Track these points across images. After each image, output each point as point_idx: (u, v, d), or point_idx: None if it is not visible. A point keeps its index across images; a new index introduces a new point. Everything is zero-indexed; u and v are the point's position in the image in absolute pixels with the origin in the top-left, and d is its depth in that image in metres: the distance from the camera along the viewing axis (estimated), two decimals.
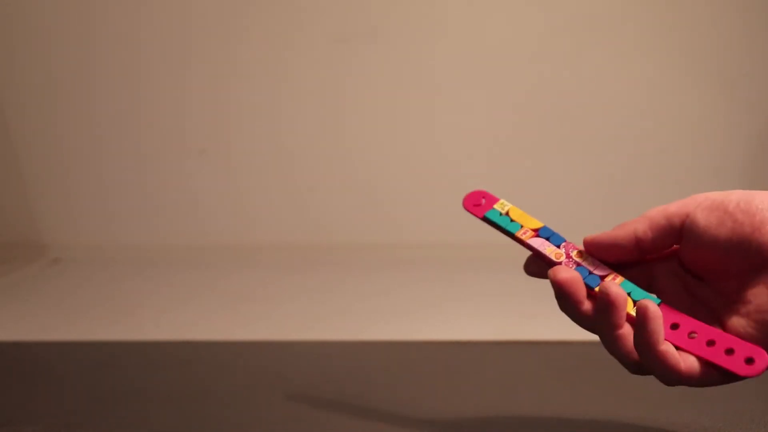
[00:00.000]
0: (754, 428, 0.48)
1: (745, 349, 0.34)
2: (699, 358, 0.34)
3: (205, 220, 1.17)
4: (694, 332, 0.35)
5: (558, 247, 0.40)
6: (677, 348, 0.35)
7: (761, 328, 0.34)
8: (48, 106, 1.16)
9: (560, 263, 0.39)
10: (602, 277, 0.38)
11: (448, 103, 1.12)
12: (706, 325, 0.36)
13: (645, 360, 0.35)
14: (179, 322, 0.83)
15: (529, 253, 0.40)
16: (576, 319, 0.37)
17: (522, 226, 0.41)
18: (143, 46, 1.13)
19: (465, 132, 1.13)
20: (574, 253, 0.39)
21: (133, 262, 1.09)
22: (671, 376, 0.34)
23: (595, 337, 0.37)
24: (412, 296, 0.90)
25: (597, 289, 0.36)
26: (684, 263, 0.38)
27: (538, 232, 0.40)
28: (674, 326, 0.36)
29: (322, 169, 1.15)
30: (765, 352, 0.34)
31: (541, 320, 0.75)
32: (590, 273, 0.38)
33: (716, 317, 0.36)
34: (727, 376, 0.34)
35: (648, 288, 0.39)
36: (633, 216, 0.38)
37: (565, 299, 0.37)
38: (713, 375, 0.34)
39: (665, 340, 0.34)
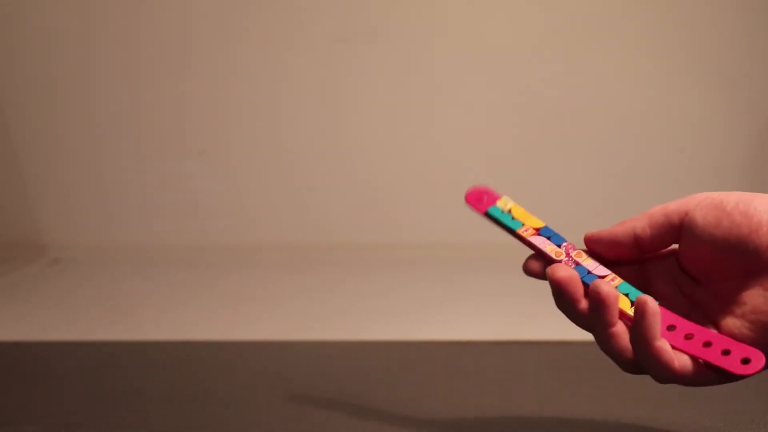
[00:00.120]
0: (754, 428, 0.48)
1: (741, 350, 0.34)
2: (695, 358, 0.35)
3: (205, 220, 1.17)
4: (691, 334, 0.35)
5: (558, 246, 0.40)
6: (673, 347, 0.35)
7: (756, 329, 0.34)
8: (48, 106, 1.16)
9: (560, 261, 0.39)
10: (601, 278, 0.38)
11: (448, 103, 1.12)
12: (703, 328, 0.36)
13: (640, 356, 0.35)
14: (179, 322, 0.83)
15: (528, 253, 0.41)
16: (573, 317, 0.37)
17: (523, 224, 0.41)
18: (143, 46, 1.13)
19: (465, 132, 1.13)
20: (574, 254, 0.39)
21: (133, 262, 1.09)
22: (665, 373, 0.34)
23: None
24: (412, 296, 0.90)
25: (589, 287, 0.37)
26: (681, 263, 0.38)
27: (539, 231, 0.41)
28: (671, 328, 0.36)
29: (322, 169, 1.15)
30: (761, 353, 0.34)
31: (541, 320, 0.75)
32: (589, 273, 0.38)
33: (711, 319, 0.37)
34: (722, 376, 0.34)
35: (645, 290, 0.39)
36: (633, 215, 0.39)
37: (562, 297, 0.37)
38: (707, 374, 0.35)
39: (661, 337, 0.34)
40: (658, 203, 0.38)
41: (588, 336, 0.38)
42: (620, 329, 0.36)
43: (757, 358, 0.34)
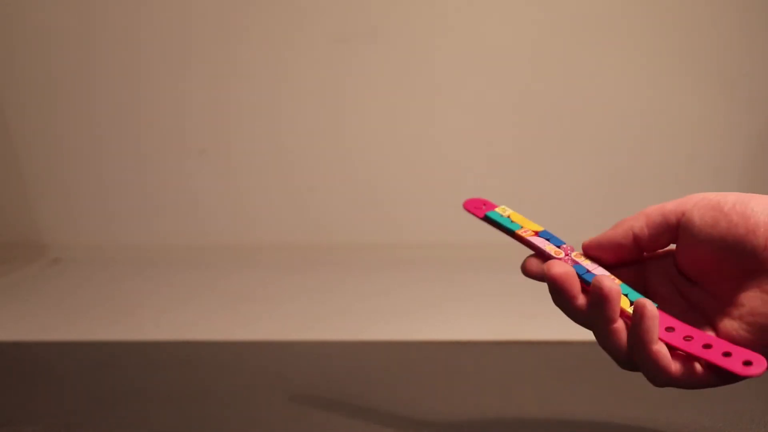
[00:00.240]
0: (754, 428, 0.48)
1: (742, 353, 0.34)
2: (692, 362, 0.34)
3: (205, 220, 1.17)
4: (690, 336, 0.35)
5: (558, 247, 0.40)
6: (673, 348, 0.35)
7: (754, 330, 0.34)
8: (48, 106, 1.16)
9: (559, 259, 0.39)
10: None
11: (448, 103, 1.12)
12: (701, 331, 0.36)
13: (637, 358, 0.35)
14: (179, 322, 0.83)
15: (527, 254, 0.41)
16: (570, 313, 0.37)
17: (522, 227, 0.41)
18: (143, 46, 1.13)
19: (465, 132, 1.13)
20: (573, 254, 0.40)
21: (133, 262, 1.09)
22: (662, 376, 0.34)
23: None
24: (412, 296, 0.90)
25: (591, 282, 0.37)
26: (679, 264, 0.38)
27: (537, 234, 0.41)
28: (669, 329, 0.36)
29: (322, 169, 1.15)
30: (762, 357, 0.34)
31: (541, 320, 0.75)
32: (588, 272, 0.38)
33: (709, 321, 0.37)
34: (721, 378, 0.34)
35: (643, 291, 0.39)
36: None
37: (559, 294, 0.37)
38: (705, 378, 0.34)
39: (659, 340, 0.34)
40: (658, 203, 0.38)
41: (588, 336, 0.38)
42: (620, 326, 0.36)
43: (759, 361, 0.33)
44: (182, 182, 1.17)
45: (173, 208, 1.17)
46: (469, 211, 0.43)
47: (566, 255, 0.39)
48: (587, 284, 0.37)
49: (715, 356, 0.34)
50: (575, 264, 0.39)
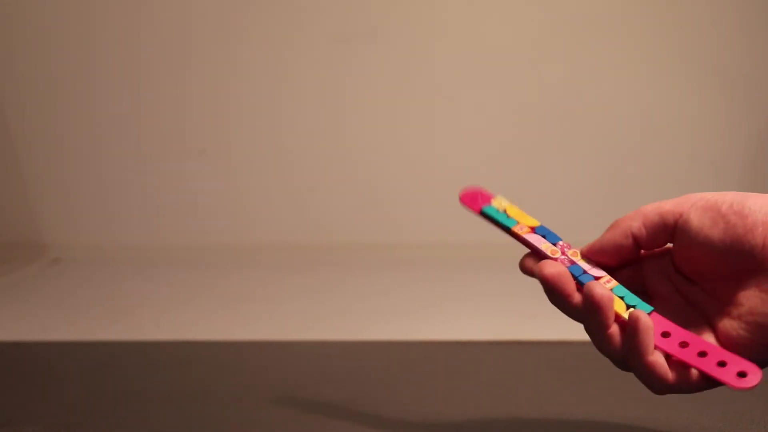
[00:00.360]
0: (754, 428, 0.48)
1: (737, 363, 0.34)
2: (689, 367, 0.35)
3: (205, 220, 1.17)
4: (686, 342, 0.35)
5: (554, 245, 0.40)
6: (668, 355, 0.35)
7: (753, 330, 0.34)
8: (48, 106, 1.16)
9: (555, 259, 0.39)
10: (596, 279, 0.38)
11: (447, 103, 1.12)
12: (698, 337, 0.36)
13: (633, 368, 0.35)
14: (179, 322, 0.83)
15: (525, 251, 0.41)
16: (566, 312, 0.37)
17: (518, 223, 0.41)
18: (143, 46, 1.13)
19: (465, 132, 1.13)
20: (569, 252, 0.39)
21: (133, 262, 1.09)
22: (658, 385, 0.35)
23: None
24: (412, 296, 0.90)
25: (583, 289, 0.37)
26: (676, 264, 0.38)
27: (534, 230, 0.41)
28: (665, 334, 0.36)
29: (322, 169, 1.15)
30: (757, 367, 0.34)
31: (541, 320, 0.75)
32: (584, 272, 0.38)
33: (708, 320, 0.36)
34: (715, 384, 0.34)
35: (641, 290, 0.39)
36: None
37: (553, 294, 0.37)
38: (700, 384, 0.35)
39: (655, 348, 0.35)
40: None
41: (588, 336, 0.38)
42: (615, 331, 0.36)
43: (753, 372, 0.33)
44: (182, 182, 1.17)
45: (173, 208, 1.17)
46: (465, 205, 0.42)
47: (563, 254, 0.39)
48: (581, 285, 0.37)
49: (710, 366, 0.34)
50: (572, 264, 0.39)
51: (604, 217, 0.43)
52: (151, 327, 0.81)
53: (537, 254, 0.40)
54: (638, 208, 0.38)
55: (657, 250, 0.39)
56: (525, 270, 0.40)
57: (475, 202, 0.42)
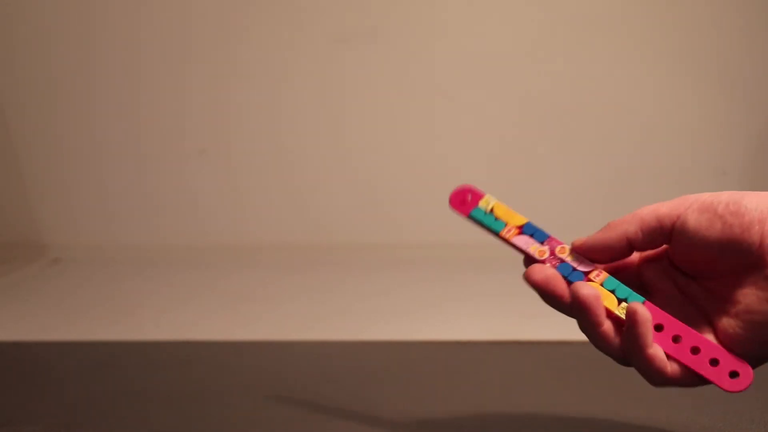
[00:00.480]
0: (754, 428, 0.48)
1: (730, 361, 0.34)
2: (683, 365, 0.35)
3: (205, 220, 1.17)
4: (679, 336, 0.35)
5: (542, 243, 0.40)
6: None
7: (750, 328, 0.34)
8: (48, 106, 1.16)
9: (543, 261, 0.39)
10: (586, 273, 0.38)
11: (447, 103, 1.12)
12: (691, 330, 0.36)
13: (632, 361, 0.35)
14: (179, 322, 0.83)
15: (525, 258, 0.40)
16: (563, 312, 0.38)
17: (506, 224, 0.41)
18: (143, 46, 1.13)
19: (465, 132, 1.13)
20: (557, 249, 0.39)
21: (133, 262, 1.09)
22: (657, 378, 0.35)
23: None
24: (412, 296, 0.90)
25: (570, 290, 0.37)
26: (674, 262, 0.38)
27: (522, 229, 0.40)
28: (658, 327, 0.36)
29: (322, 169, 1.15)
30: (749, 367, 0.34)
31: (541, 320, 0.75)
32: (574, 270, 0.38)
33: (706, 316, 0.37)
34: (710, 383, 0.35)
35: (638, 284, 0.39)
36: None
37: (545, 297, 0.38)
38: (698, 379, 0.35)
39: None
40: (655, 203, 0.38)
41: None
42: (608, 327, 0.36)
43: (746, 373, 0.34)
44: (182, 182, 1.17)
45: (173, 208, 1.17)
46: (454, 208, 0.42)
47: (551, 254, 0.39)
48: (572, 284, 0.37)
49: (702, 365, 0.34)
50: (561, 263, 0.39)
51: (604, 218, 0.43)
52: (151, 327, 0.81)
53: (525, 257, 0.40)
54: (634, 212, 0.37)
55: (652, 252, 0.39)
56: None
57: (465, 204, 0.42)
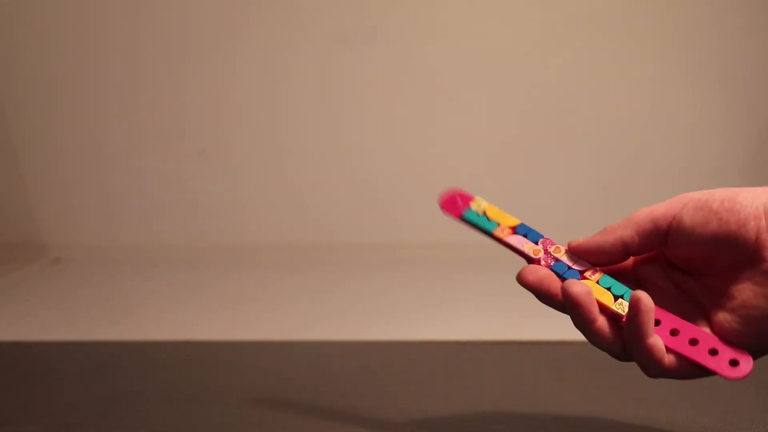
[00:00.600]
0: (754, 428, 0.48)
1: (729, 351, 0.34)
2: (682, 356, 0.35)
3: (205, 220, 1.17)
4: (676, 329, 0.35)
5: (536, 243, 0.40)
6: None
7: (746, 323, 0.34)
8: (48, 106, 1.16)
9: (538, 259, 0.39)
10: (581, 272, 0.38)
11: (447, 103, 1.12)
12: (688, 324, 0.36)
13: (632, 350, 0.35)
14: (179, 322, 0.83)
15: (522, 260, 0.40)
16: (561, 310, 0.38)
17: (499, 225, 0.41)
18: (143, 46, 1.13)
19: (465, 132, 1.13)
20: (552, 249, 0.39)
21: (133, 262, 1.09)
22: (654, 368, 0.35)
23: None
24: (412, 296, 0.90)
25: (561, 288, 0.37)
26: (670, 260, 0.38)
27: (515, 230, 0.40)
28: (656, 322, 0.36)
29: (322, 169, 1.15)
30: (748, 355, 0.34)
31: (541, 320, 0.75)
32: (569, 268, 0.38)
33: (703, 311, 0.37)
34: (710, 372, 0.35)
35: (634, 281, 0.39)
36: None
37: (540, 298, 0.38)
38: (695, 371, 0.35)
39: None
40: (654, 203, 0.38)
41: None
42: (603, 323, 0.36)
43: (745, 361, 0.34)
44: (182, 182, 1.17)
45: (173, 208, 1.17)
46: (446, 211, 0.42)
47: (545, 253, 0.39)
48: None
49: (701, 355, 0.34)
50: (556, 262, 0.39)
51: (604, 218, 0.43)
52: (151, 327, 0.81)
53: (519, 256, 0.40)
54: (629, 216, 0.37)
55: (648, 255, 0.39)
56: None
57: (455, 207, 0.42)
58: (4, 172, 1.19)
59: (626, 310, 0.35)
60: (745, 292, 0.34)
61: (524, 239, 0.40)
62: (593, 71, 1.10)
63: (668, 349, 0.35)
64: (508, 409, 0.53)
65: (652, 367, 0.35)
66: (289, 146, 1.15)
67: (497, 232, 0.40)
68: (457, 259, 1.03)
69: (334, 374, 0.62)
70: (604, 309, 0.36)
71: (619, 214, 0.40)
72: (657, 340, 0.34)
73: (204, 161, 1.16)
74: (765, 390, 0.52)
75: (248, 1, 1.09)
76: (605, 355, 0.37)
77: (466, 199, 0.42)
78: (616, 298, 0.37)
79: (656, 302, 0.37)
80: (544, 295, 0.37)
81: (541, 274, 0.38)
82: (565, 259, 0.39)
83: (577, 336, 0.37)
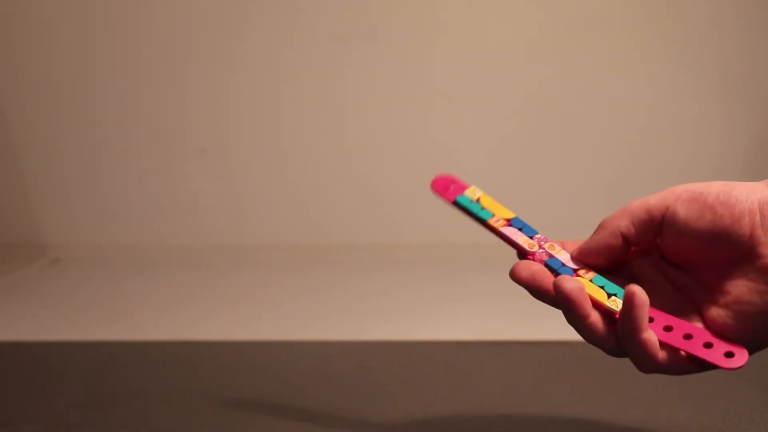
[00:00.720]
0: (754, 428, 0.48)
1: (723, 344, 0.34)
2: (678, 350, 0.34)
3: (205, 220, 1.17)
4: (670, 326, 0.35)
5: (531, 238, 0.39)
6: None
7: (740, 318, 0.34)
8: (48, 106, 1.16)
9: (533, 253, 0.39)
10: (575, 271, 0.38)
11: (447, 103, 1.12)
12: (682, 321, 0.35)
13: (625, 345, 0.35)
14: (179, 322, 0.83)
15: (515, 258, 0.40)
16: (554, 306, 0.37)
17: (494, 215, 0.40)
18: (143, 46, 1.13)
19: (465, 132, 1.13)
20: (546, 245, 0.39)
21: (133, 262, 1.09)
22: (648, 363, 0.34)
23: None
24: (412, 296, 0.90)
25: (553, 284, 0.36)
26: (664, 254, 0.38)
27: (510, 222, 0.40)
28: (649, 320, 0.36)
29: (322, 169, 1.15)
30: (744, 348, 0.34)
31: (541, 320, 0.75)
32: (563, 265, 0.38)
33: (696, 306, 0.36)
34: (705, 367, 0.34)
35: (628, 276, 0.39)
36: None
37: (533, 293, 0.37)
38: (688, 366, 0.34)
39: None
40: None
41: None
42: (596, 319, 0.35)
43: (740, 353, 0.33)
44: (182, 182, 1.17)
45: (173, 208, 1.17)
46: (437, 192, 0.42)
47: (540, 248, 0.39)
48: None
49: (696, 348, 0.34)
50: (550, 258, 0.38)
51: (604, 217, 0.43)
52: (151, 327, 0.81)
53: (513, 248, 0.39)
54: (624, 207, 0.37)
55: (642, 249, 0.39)
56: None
57: (447, 191, 0.41)
58: (4, 172, 1.19)
59: (620, 306, 0.35)
60: (739, 287, 0.34)
61: (518, 232, 0.40)
62: (593, 71, 1.10)
63: (662, 344, 0.34)
64: (508, 409, 0.53)
65: (646, 362, 0.34)
66: (289, 146, 1.15)
67: (492, 222, 0.40)
68: (457, 259, 1.04)
69: (334, 374, 0.62)
70: (597, 305, 0.36)
71: None
72: (651, 335, 0.34)
73: (204, 161, 1.16)
74: (765, 390, 0.52)
75: (248, 1, 1.09)
76: (605, 355, 0.37)
77: (460, 187, 0.41)
78: (609, 296, 0.36)
79: (650, 298, 0.37)
80: (537, 291, 0.37)
81: (535, 269, 0.37)
82: (559, 256, 0.38)
83: (577, 336, 0.37)
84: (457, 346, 0.69)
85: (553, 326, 0.68)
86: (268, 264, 1.08)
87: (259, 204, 1.17)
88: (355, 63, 1.11)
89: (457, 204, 0.41)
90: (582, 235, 0.40)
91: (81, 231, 1.19)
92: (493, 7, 1.08)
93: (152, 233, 1.17)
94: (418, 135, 1.13)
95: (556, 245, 0.39)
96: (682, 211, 0.35)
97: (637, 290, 0.33)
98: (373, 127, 1.14)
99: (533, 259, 0.39)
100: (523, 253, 0.39)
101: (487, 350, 0.68)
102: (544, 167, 1.12)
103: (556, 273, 0.38)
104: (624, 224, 0.37)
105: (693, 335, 0.34)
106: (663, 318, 0.36)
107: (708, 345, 0.34)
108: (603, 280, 0.37)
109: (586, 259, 0.38)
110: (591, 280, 0.37)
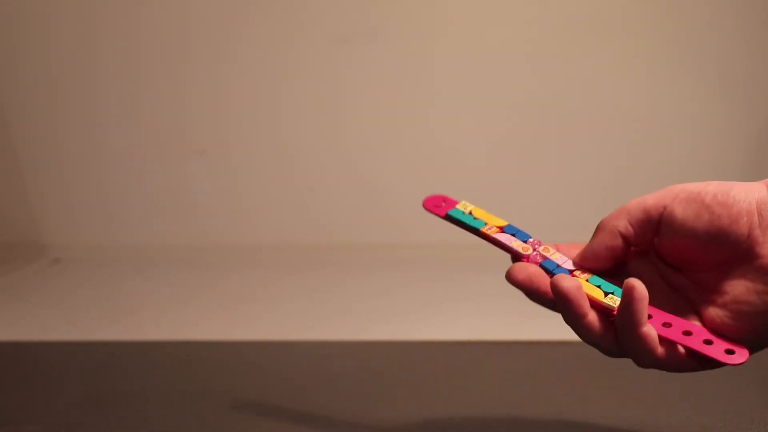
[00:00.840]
0: (754, 428, 0.48)
1: (723, 342, 0.34)
2: (677, 346, 0.34)
3: (205, 220, 1.17)
4: (669, 323, 0.35)
5: (525, 242, 0.40)
6: None
7: (738, 318, 0.34)
8: (48, 106, 1.16)
9: (528, 255, 0.39)
10: (571, 272, 0.38)
11: (447, 104, 1.12)
12: (681, 319, 0.35)
13: (624, 340, 0.34)
14: (179, 322, 0.83)
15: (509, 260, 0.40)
16: (551, 308, 0.37)
17: (486, 223, 0.41)
18: (143, 46, 1.13)
19: (465, 132, 1.13)
20: (540, 249, 0.39)
21: (133, 262, 1.09)
22: (647, 358, 0.34)
23: None
24: (412, 296, 0.90)
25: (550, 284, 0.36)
26: (661, 254, 0.38)
27: (502, 230, 0.41)
28: (647, 317, 0.36)
29: (322, 169, 1.15)
30: (744, 347, 0.34)
31: (541, 320, 0.75)
32: (558, 266, 0.38)
33: (694, 307, 0.36)
34: (705, 364, 0.34)
35: (625, 276, 0.39)
36: None
37: (530, 296, 0.37)
38: (688, 362, 0.34)
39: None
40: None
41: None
42: (593, 318, 0.35)
43: (740, 350, 0.33)
44: (182, 182, 1.17)
45: (173, 208, 1.17)
46: (429, 210, 0.43)
47: (534, 250, 0.39)
48: None
49: (696, 343, 0.34)
50: (544, 260, 0.39)
51: (603, 217, 0.43)
52: (151, 327, 0.81)
53: (508, 252, 0.40)
54: (621, 206, 0.37)
55: (639, 249, 0.39)
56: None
57: (439, 208, 0.42)
58: (4, 172, 1.19)
59: (617, 303, 0.35)
60: (737, 287, 0.34)
61: (512, 237, 0.40)
62: (593, 71, 1.10)
63: (662, 340, 0.34)
64: (508, 409, 0.53)
65: (645, 356, 0.34)
66: (289, 146, 1.15)
67: (485, 229, 0.40)
68: (457, 259, 1.03)
69: (334, 374, 0.62)
70: (594, 304, 0.36)
71: None
72: (650, 329, 0.34)
73: (204, 161, 1.16)
74: (765, 390, 0.52)
75: (248, 1, 1.09)
76: (605, 355, 0.37)
77: (451, 203, 0.42)
78: (606, 294, 0.36)
79: None
80: (534, 293, 0.37)
81: (531, 271, 0.37)
82: (554, 258, 0.39)
83: (577, 336, 0.37)
84: (457, 346, 0.69)
85: (553, 326, 0.68)
86: (268, 264, 1.08)
87: (259, 204, 1.17)
88: (355, 63, 1.11)
89: (449, 217, 0.42)
90: (581, 235, 0.40)
91: (81, 231, 1.19)
92: (493, 7, 1.08)
93: (152, 233, 1.17)
94: (418, 135, 1.13)
95: (550, 248, 0.39)
96: (680, 211, 0.35)
97: (637, 284, 0.33)
98: (373, 127, 1.14)
99: (528, 262, 0.39)
100: (517, 257, 0.39)
101: (487, 350, 0.68)
102: (544, 167, 1.12)
103: (551, 274, 0.38)
104: (622, 224, 0.37)
105: (692, 332, 0.34)
106: (661, 315, 0.36)
107: (708, 342, 0.34)
108: (599, 280, 0.37)
109: (589, 264, 0.38)
110: (587, 280, 0.37)
